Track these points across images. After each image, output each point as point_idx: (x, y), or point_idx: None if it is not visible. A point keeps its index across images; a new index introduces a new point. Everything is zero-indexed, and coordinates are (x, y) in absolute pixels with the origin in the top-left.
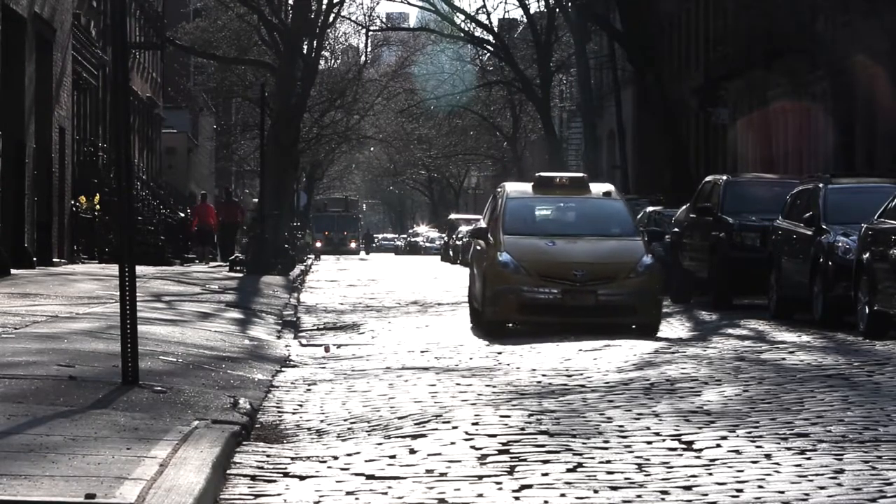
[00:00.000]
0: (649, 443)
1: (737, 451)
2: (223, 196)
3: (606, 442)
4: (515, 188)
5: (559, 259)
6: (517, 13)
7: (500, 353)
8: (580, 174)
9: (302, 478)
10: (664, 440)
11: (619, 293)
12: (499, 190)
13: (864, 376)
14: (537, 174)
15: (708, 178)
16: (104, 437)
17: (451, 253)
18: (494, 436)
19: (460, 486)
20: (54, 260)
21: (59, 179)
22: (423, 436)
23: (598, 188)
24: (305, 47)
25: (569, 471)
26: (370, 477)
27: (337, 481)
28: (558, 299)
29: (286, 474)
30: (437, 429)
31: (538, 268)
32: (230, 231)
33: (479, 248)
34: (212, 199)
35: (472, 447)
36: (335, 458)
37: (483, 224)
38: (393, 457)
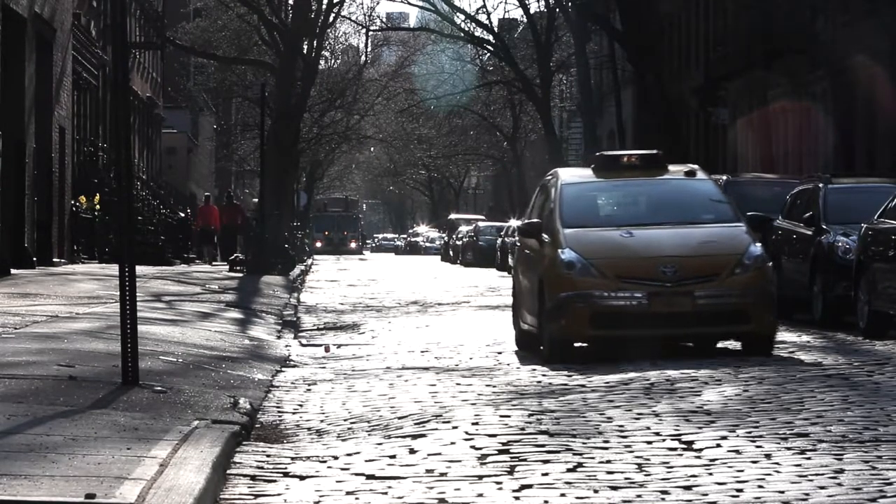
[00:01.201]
0: (649, 443)
1: (737, 451)
2: (224, 199)
3: (606, 442)
4: (571, 173)
5: (641, 253)
6: (517, 13)
7: (500, 354)
8: (653, 151)
9: (302, 478)
10: (664, 440)
11: (723, 294)
12: (548, 178)
13: (864, 376)
14: (597, 154)
15: None
16: (104, 437)
17: (451, 253)
18: (494, 436)
19: (460, 485)
20: (54, 260)
21: (59, 179)
22: (423, 436)
23: (677, 167)
24: (305, 47)
25: (569, 471)
26: (370, 477)
27: (337, 481)
28: (643, 306)
29: (286, 474)
30: (437, 429)
31: (614, 266)
32: (231, 233)
33: (527, 251)
34: (213, 199)
35: (472, 447)
36: (335, 457)
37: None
38: (393, 457)
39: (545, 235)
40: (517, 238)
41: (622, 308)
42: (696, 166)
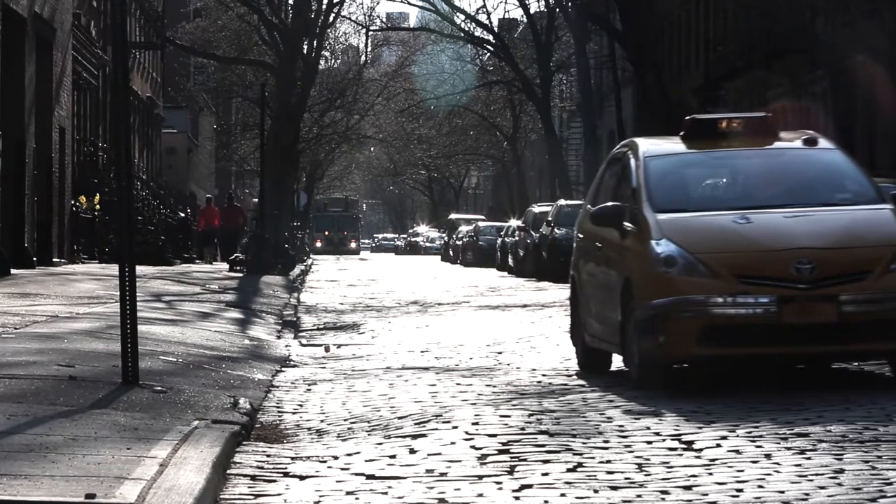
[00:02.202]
0: (649, 443)
1: (737, 451)
2: (226, 201)
3: (606, 442)
4: (654, 143)
5: (766, 244)
6: (517, 13)
7: (500, 354)
8: (760, 113)
9: (302, 478)
10: (664, 440)
11: (879, 298)
12: (621, 150)
13: (864, 376)
14: (690, 117)
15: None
16: (104, 437)
17: (450, 253)
18: (494, 436)
19: (460, 485)
20: (54, 260)
21: (59, 179)
22: (423, 436)
23: (791, 134)
24: (305, 47)
25: (569, 470)
26: (370, 477)
27: (337, 481)
28: (772, 315)
29: (286, 474)
30: (437, 429)
31: (730, 262)
32: (232, 235)
33: (599, 244)
34: (213, 201)
35: (472, 447)
36: (335, 457)
37: (590, 207)
38: (393, 457)
39: (628, 224)
40: (578, 229)
41: (743, 318)
42: (815, 133)
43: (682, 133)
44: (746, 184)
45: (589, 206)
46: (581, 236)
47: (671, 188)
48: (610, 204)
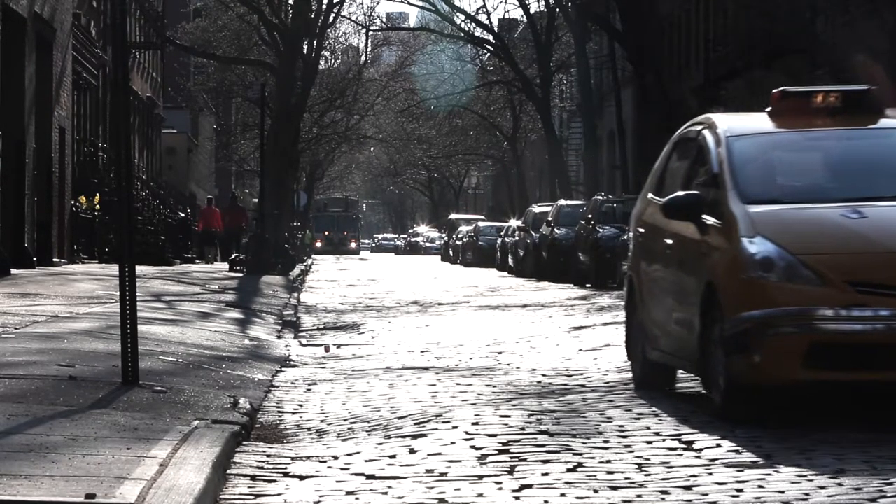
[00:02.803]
0: (649, 443)
1: (737, 451)
2: (229, 200)
3: (606, 442)
4: (737, 121)
5: (885, 245)
6: (517, 13)
7: (500, 354)
8: (862, 87)
9: (302, 478)
10: (664, 440)
11: None
12: (694, 128)
13: None
14: (779, 90)
15: None
16: (104, 437)
17: (450, 253)
18: (494, 436)
19: (460, 485)
20: (54, 260)
21: (59, 179)
22: (423, 436)
23: None
24: (305, 47)
25: (569, 471)
26: (370, 477)
27: (337, 481)
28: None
29: (286, 474)
30: (437, 429)
31: (842, 266)
32: (234, 236)
33: (669, 240)
34: (214, 201)
35: (472, 447)
36: (335, 457)
37: (654, 196)
38: (393, 457)
39: (708, 217)
40: (636, 222)
41: (860, 336)
42: None
43: (768, 109)
44: (852, 170)
45: (651, 195)
46: (641, 231)
47: (761, 174)
48: (685, 193)
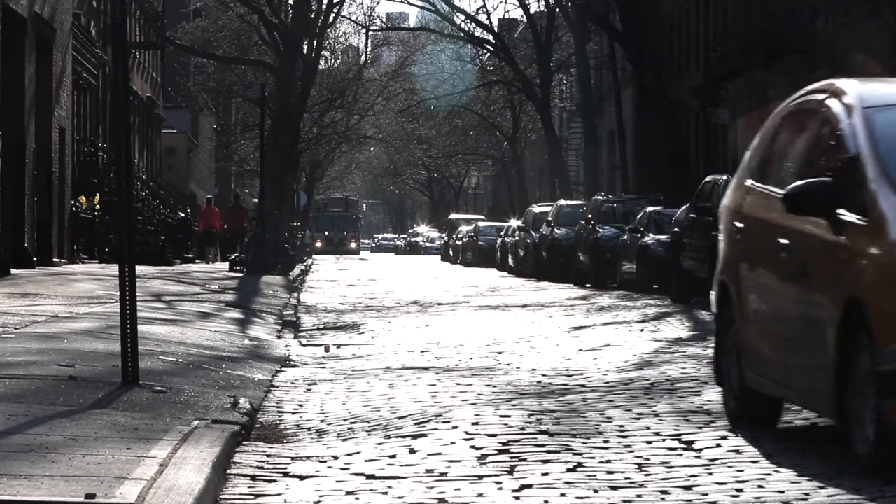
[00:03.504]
0: (649, 443)
1: (737, 451)
2: (232, 200)
3: (606, 442)
4: (872, 88)
5: None
6: (517, 13)
7: (500, 354)
8: None
9: (302, 478)
10: (664, 440)
11: None
12: (817, 96)
13: None
14: None
15: (708, 178)
16: (104, 437)
17: (450, 253)
18: (494, 436)
19: (460, 485)
20: (54, 260)
21: (59, 179)
22: (423, 436)
23: None
24: (305, 47)
25: (569, 471)
26: (370, 477)
27: (337, 481)
28: None
29: (286, 474)
30: (437, 429)
31: None
32: (237, 236)
33: (784, 240)
34: (214, 201)
35: (472, 447)
36: (335, 457)
37: (755, 184)
38: (393, 457)
39: (846, 213)
40: (730, 216)
41: None
42: None
43: None
44: None
45: (751, 181)
46: (740, 226)
47: None
48: (815, 180)
